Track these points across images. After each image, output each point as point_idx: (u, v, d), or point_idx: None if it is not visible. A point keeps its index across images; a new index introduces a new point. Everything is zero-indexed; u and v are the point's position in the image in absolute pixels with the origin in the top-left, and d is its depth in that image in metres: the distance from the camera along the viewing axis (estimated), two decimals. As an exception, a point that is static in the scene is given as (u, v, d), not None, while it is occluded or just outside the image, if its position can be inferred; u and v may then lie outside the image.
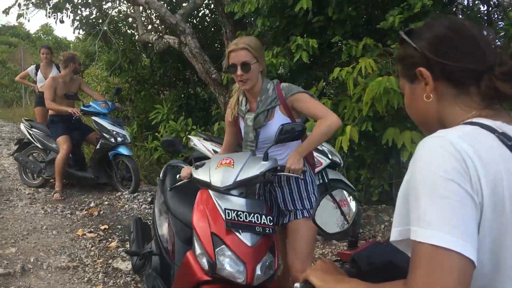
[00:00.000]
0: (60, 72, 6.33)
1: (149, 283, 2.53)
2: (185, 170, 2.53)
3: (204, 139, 5.06)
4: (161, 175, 3.18)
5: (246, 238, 1.99)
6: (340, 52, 4.68)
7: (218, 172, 2.16)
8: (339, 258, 1.26)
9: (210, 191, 2.15)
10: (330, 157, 4.15)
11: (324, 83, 4.91)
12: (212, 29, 8.71)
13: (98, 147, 5.79)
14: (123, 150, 5.70)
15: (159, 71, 8.56)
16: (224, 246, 1.97)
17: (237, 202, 2.09)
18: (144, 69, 9.00)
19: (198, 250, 2.03)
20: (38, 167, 5.95)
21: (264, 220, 2.04)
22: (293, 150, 2.29)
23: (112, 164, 5.84)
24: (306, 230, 2.39)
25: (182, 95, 8.49)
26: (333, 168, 4.29)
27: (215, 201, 2.10)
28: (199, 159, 4.88)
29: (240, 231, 2.00)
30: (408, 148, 3.91)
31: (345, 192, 1.50)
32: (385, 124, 4.30)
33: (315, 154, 4.19)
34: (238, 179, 2.10)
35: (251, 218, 2.03)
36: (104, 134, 5.68)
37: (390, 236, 0.91)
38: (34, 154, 6.17)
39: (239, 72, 2.33)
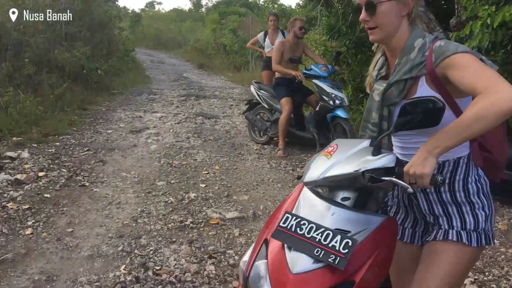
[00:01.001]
0: (285, 38, 6.77)
1: None
2: None
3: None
4: None
5: (293, 260, 1.35)
6: None
7: (315, 162, 1.54)
8: None
9: (305, 186, 1.56)
10: None
11: None
12: (439, -16, 8.00)
13: (317, 109, 6.05)
14: (340, 113, 5.82)
15: (378, 33, 8.34)
16: (265, 261, 1.42)
17: (321, 209, 1.43)
18: (362, 32, 8.88)
19: (245, 256, 1.55)
20: (264, 126, 6.55)
21: (336, 242, 1.32)
22: (423, 145, 1.37)
23: (330, 126, 6.04)
24: (445, 261, 1.51)
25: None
26: None
27: (297, 201, 1.54)
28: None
29: (292, 248, 1.38)
30: None
31: None
32: None
33: None
34: (326, 175, 1.44)
35: (317, 234, 1.35)
36: (324, 97, 5.89)
37: None
38: (261, 114, 6.81)
39: (362, 15, 1.55)
